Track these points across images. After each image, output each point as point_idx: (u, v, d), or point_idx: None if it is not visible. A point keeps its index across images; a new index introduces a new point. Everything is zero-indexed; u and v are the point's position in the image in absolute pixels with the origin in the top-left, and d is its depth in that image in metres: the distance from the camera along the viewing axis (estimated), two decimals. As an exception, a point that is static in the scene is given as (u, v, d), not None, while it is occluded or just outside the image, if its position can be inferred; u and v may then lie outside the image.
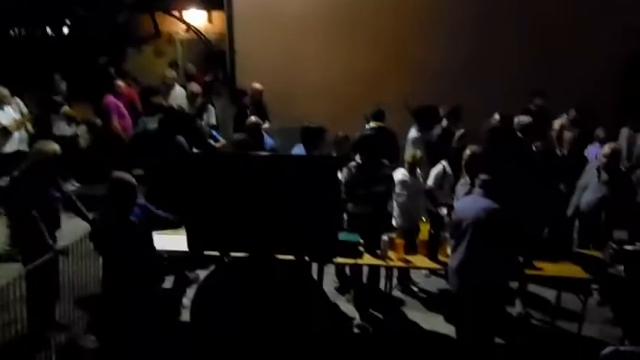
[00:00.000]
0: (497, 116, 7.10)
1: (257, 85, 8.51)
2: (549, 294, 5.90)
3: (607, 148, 5.66)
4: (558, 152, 6.60)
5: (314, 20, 9.46)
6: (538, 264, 5.07)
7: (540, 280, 5.65)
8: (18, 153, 7.63)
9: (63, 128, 8.99)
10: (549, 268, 5.07)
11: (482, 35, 9.07)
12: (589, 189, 5.74)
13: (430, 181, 6.14)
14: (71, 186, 8.60)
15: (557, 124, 7.29)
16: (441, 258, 5.14)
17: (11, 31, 13.68)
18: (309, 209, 4.19)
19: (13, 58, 11.72)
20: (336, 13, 9.38)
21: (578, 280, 5.07)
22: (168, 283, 6.08)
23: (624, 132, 7.28)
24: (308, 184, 4.19)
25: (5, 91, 7.85)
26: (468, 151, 5.58)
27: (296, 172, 4.28)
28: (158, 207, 5.78)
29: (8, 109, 7.87)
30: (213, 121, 8.26)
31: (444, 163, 6.16)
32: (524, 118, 6.63)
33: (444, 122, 7.21)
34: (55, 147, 5.22)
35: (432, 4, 9.22)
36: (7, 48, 12.64)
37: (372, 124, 7.08)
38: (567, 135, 6.85)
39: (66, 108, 9.06)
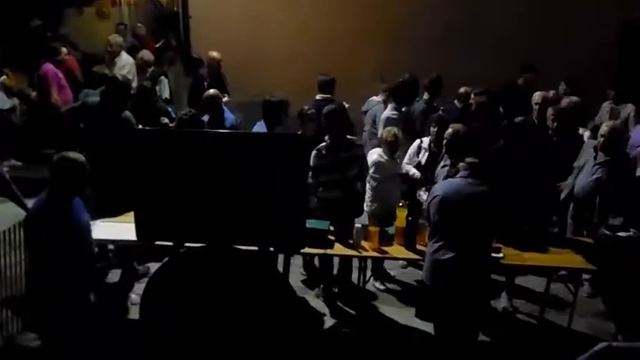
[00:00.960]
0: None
1: (214, 54, 8.33)
2: (536, 283, 6.02)
3: (605, 127, 5.74)
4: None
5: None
6: (525, 254, 5.15)
7: (527, 268, 5.75)
8: None
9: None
10: (538, 257, 5.15)
11: (463, 4, 9.13)
12: (584, 170, 5.82)
13: (405, 160, 6.17)
14: (5, 166, 8.42)
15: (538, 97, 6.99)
16: (419, 247, 5.17)
17: None
18: (273, 194, 4.15)
19: None
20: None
21: (569, 270, 5.18)
22: (115, 276, 6.06)
23: (605, 106, 7.44)
24: (272, 165, 4.14)
25: None
26: (450, 130, 5.58)
27: (258, 152, 4.22)
28: (103, 192, 5.75)
29: None
30: (166, 94, 8.14)
31: (422, 139, 6.21)
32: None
33: (425, 95, 7.25)
34: None
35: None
36: None
37: (319, 96, 7.07)
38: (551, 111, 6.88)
39: (4, 78, 8.83)
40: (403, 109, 7.13)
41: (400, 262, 6.44)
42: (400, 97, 7.19)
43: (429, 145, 6.20)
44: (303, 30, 9.39)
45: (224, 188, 4.18)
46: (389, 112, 7.13)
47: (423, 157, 6.23)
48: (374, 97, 7.77)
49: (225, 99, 7.40)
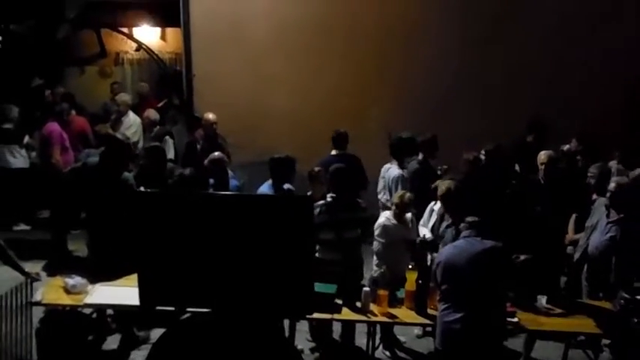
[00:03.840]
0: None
1: (210, 116, 8.30)
2: (554, 349, 5.91)
3: (612, 184, 5.76)
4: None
5: (281, 38, 9.59)
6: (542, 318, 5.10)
7: (545, 334, 5.67)
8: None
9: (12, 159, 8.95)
10: (555, 322, 5.10)
11: (467, 60, 9.34)
12: (597, 229, 5.81)
13: (421, 223, 6.18)
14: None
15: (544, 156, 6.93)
16: (430, 311, 5.13)
17: None
18: (278, 258, 4.14)
19: None
20: (306, 30, 9.54)
21: (587, 335, 5.10)
22: (114, 342, 5.99)
23: (612, 165, 7.49)
24: (277, 228, 4.15)
25: None
26: (442, 187, 5.62)
27: (264, 214, 4.23)
28: (105, 254, 5.75)
29: None
30: (171, 154, 8.17)
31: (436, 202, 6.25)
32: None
33: (420, 155, 7.30)
34: None
35: (409, 23, 9.45)
36: None
37: (334, 152, 7.14)
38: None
39: (28, 138, 8.99)
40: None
41: (415, 331, 6.34)
42: (400, 154, 7.22)
43: (440, 208, 6.20)
44: (307, 88, 9.54)
45: (229, 252, 4.18)
46: (395, 170, 7.16)
47: (432, 221, 6.22)
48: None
49: None
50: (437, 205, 6.25)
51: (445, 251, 4.80)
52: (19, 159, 9.02)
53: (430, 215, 6.30)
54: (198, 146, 7.84)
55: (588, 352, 5.35)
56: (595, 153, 7.17)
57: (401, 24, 9.42)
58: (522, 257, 5.53)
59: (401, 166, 7.20)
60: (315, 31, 9.51)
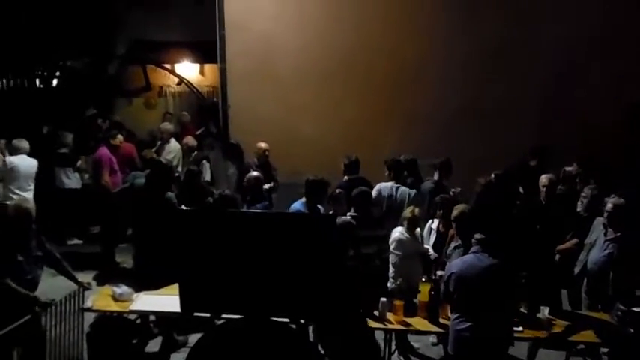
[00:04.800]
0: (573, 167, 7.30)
1: (262, 145, 8.29)
2: (555, 358, 5.80)
3: (609, 204, 5.68)
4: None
5: (307, 73, 9.63)
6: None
7: (547, 342, 5.58)
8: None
9: (67, 180, 9.09)
10: (556, 331, 5.01)
11: (474, 86, 9.30)
12: (596, 246, 5.73)
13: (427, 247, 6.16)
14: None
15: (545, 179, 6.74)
16: (442, 320, 5.08)
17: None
18: (306, 269, 4.14)
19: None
20: (329, 65, 9.57)
21: (587, 344, 5.02)
22: (155, 345, 6.00)
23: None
24: (306, 242, 4.15)
25: None
26: (455, 211, 5.55)
27: (294, 230, 4.24)
28: (149, 265, 5.78)
29: None
30: (207, 177, 8.23)
31: (433, 220, 6.22)
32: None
33: (436, 176, 7.27)
34: (30, 205, 5.18)
35: (420, 56, 9.42)
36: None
37: (347, 178, 7.11)
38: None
39: (80, 162, 9.12)
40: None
41: (431, 338, 6.25)
42: (399, 174, 7.13)
43: (438, 226, 6.16)
44: (329, 117, 9.59)
45: (261, 263, 4.18)
46: (407, 189, 7.07)
47: (432, 239, 6.18)
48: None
49: (265, 186, 7.46)
50: (434, 224, 6.22)
51: (455, 265, 4.76)
52: (72, 180, 9.14)
53: (430, 233, 6.26)
54: (252, 171, 7.81)
55: (588, 360, 5.25)
56: (595, 176, 7.07)
57: (412, 60, 9.41)
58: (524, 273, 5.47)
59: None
60: (336, 68, 9.55)
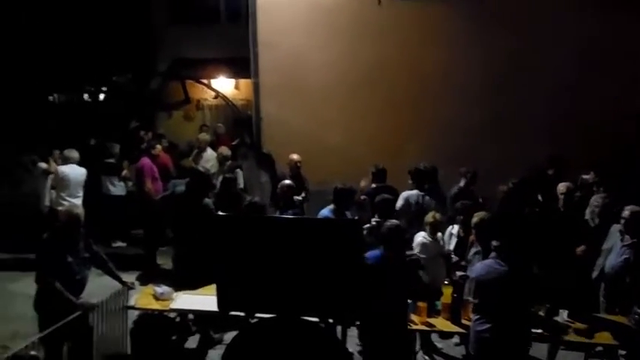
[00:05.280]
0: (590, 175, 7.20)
1: (294, 156, 8.26)
2: (574, 358, 5.70)
3: (626, 211, 5.57)
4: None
5: (335, 88, 9.69)
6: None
7: (566, 344, 5.47)
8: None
9: (113, 188, 9.26)
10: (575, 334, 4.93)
11: (490, 98, 9.23)
12: (613, 251, 5.62)
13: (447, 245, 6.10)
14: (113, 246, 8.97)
15: (563, 187, 6.66)
16: (464, 322, 5.03)
17: (50, 97, 14.14)
18: (334, 271, 4.14)
19: (50, 122, 12.09)
20: (354, 80, 9.62)
21: (605, 346, 4.91)
22: (193, 342, 6.06)
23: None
24: (333, 246, 4.15)
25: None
26: (475, 218, 5.47)
27: (322, 234, 4.25)
28: (188, 267, 5.85)
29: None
30: (241, 184, 8.30)
31: (453, 226, 6.15)
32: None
33: (462, 182, 7.22)
34: (80, 211, 5.29)
35: (444, 69, 9.41)
36: (46, 112, 13.06)
37: (374, 185, 7.09)
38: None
39: (125, 171, 9.30)
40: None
41: (454, 339, 6.18)
42: (420, 181, 7.06)
43: (458, 231, 6.11)
44: (355, 129, 9.61)
45: (292, 265, 4.20)
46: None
47: (452, 243, 6.12)
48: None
49: (299, 197, 7.49)
50: (454, 229, 6.16)
51: (476, 269, 4.73)
52: (117, 187, 9.29)
53: (450, 237, 6.20)
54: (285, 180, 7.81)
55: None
56: (611, 184, 6.93)
57: (431, 75, 9.40)
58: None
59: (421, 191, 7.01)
60: (362, 82, 9.58)
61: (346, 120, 9.65)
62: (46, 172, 8.80)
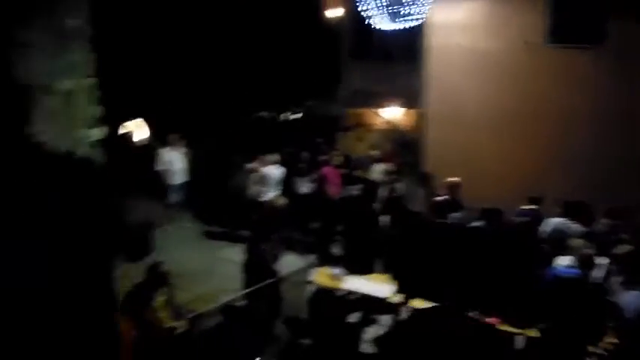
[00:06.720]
0: None
1: (456, 179, 7.54)
2: None
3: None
4: None
5: (487, 119, 9.46)
6: None
7: None
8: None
9: (302, 187, 9.73)
10: None
11: (632, 134, 8.41)
12: None
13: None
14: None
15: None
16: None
17: (261, 114, 15.50)
18: (503, 273, 4.01)
19: (259, 133, 13.22)
20: (505, 113, 9.35)
21: None
22: (355, 318, 6.19)
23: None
24: (498, 253, 4.03)
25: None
26: (622, 250, 4.91)
27: (493, 240, 4.15)
28: (354, 255, 6.02)
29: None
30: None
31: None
32: None
33: (605, 220, 6.48)
34: (282, 202, 5.70)
35: (589, 107, 8.82)
36: (257, 125, 14.36)
37: (526, 207, 6.71)
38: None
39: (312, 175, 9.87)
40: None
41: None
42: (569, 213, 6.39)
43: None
44: (504, 155, 9.31)
45: (461, 264, 4.12)
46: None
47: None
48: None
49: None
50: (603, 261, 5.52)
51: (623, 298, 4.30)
52: (305, 187, 9.83)
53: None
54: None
55: None
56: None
57: (562, 110, 8.96)
58: None
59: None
60: (513, 115, 9.27)
61: (497, 147, 9.36)
62: (251, 171, 9.55)
